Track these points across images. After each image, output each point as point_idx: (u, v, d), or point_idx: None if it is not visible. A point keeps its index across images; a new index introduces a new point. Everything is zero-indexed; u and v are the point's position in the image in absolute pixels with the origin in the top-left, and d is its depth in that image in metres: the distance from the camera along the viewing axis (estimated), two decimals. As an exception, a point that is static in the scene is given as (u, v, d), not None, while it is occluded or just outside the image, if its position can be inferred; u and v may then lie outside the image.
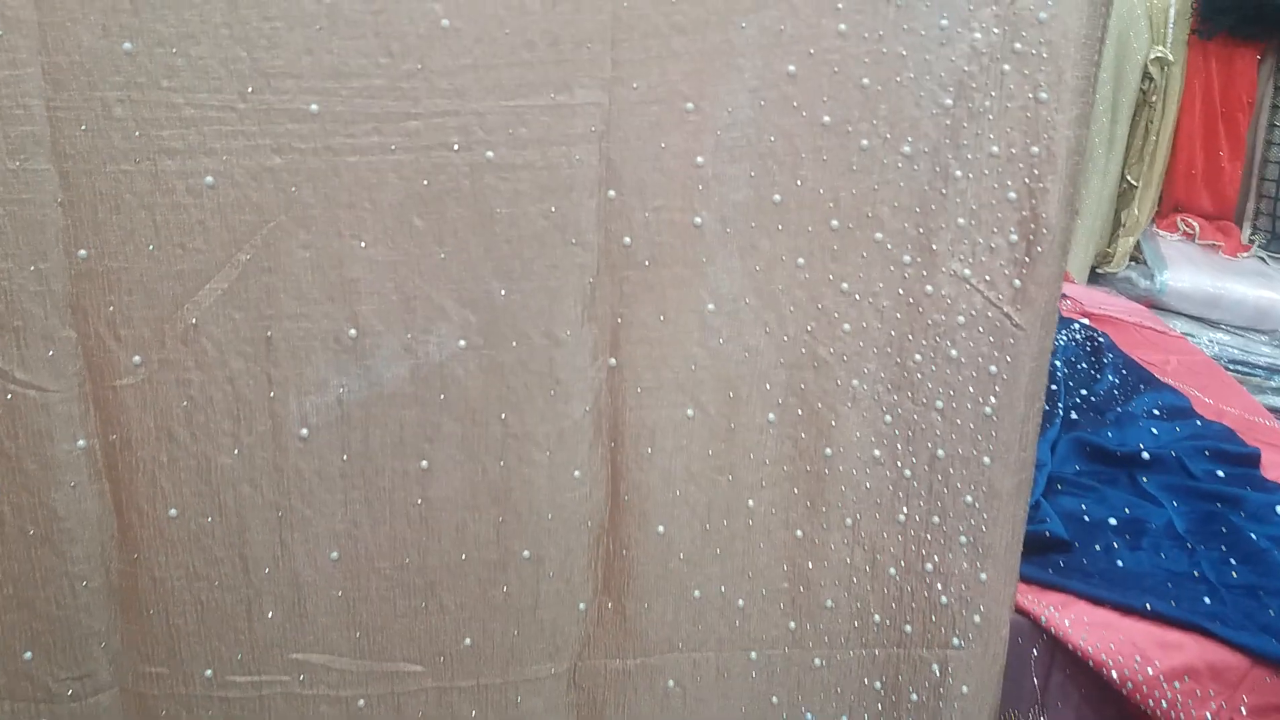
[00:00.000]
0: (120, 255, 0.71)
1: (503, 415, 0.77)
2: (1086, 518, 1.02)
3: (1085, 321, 1.57)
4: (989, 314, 0.76)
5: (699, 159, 0.73)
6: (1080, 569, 0.93)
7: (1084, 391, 1.34)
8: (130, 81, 0.68)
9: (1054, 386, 1.29)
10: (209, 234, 0.72)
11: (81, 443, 0.76)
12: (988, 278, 0.76)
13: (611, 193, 0.74)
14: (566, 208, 0.73)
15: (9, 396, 0.73)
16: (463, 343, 0.76)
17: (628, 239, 0.75)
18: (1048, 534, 0.96)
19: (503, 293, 0.75)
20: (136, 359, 0.74)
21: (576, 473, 0.80)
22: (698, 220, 0.75)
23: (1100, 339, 1.48)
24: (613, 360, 0.78)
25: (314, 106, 0.69)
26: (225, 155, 0.70)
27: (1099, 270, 2.23)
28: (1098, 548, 0.97)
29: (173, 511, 0.78)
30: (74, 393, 0.74)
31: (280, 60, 0.68)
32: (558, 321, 0.76)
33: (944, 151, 0.73)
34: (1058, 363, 1.39)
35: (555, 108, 0.71)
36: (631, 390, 0.78)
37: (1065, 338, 1.49)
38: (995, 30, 0.70)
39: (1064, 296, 1.43)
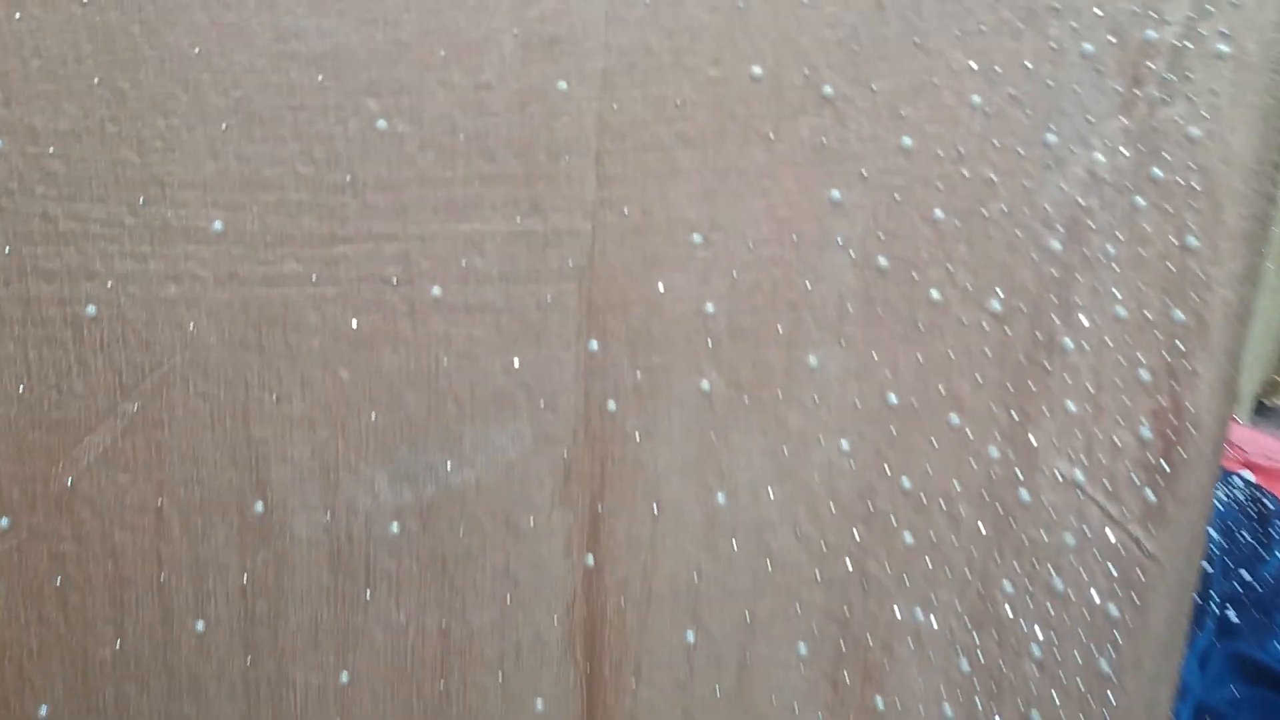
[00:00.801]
0: None
1: (444, 623, 0.58)
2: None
3: (1249, 476, 1.27)
4: (1109, 535, 0.54)
5: (709, 306, 0.54)
6: None
7: (1246, 575, 1.06)
8: (1, 187, 0.54)
9: (1206, 565, 1.02)
10: (90, 376, 0.56)
11: None
12: (1108, 486, 0.53)
13: (594, 344, 0.55)
14: (535, 362, 0.55)
15: None
16: (395, 527, 0.58)
17: (613, 404, 0.56)
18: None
19: (449, 466, 0.56)
20: (3, 522, 0.59)
21: (539, 702, 0.59)
22: (705, 385, 0.55)
23: (1269, 503, 1.19)
24: (590, 559, 0.58)
25: (218, 224, 0.54)
26: (110, 280, 0.55)
27: (1266, 404, 1.90)
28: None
29: (43, 710, 0.61)
30: None
31: (178, 166, 0.53)
32: (519, 507, 0.57)
33: (1048, 312, 0.52)
34: (1211, 532, 1.12)
35: (522, 235, 0.53)
36: (614, 600, 0.58)
37: (1224, 496, 1.21)
38: (1125, 151, 0.50)
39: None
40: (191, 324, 0.56)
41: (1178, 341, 0.51)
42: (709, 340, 0.55)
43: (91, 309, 0.56)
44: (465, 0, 0.51)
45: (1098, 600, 0.55)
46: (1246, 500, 1.20)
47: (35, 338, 0.56)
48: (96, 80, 0.52)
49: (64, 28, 0.52)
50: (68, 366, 0.56)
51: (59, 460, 0.58)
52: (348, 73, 0.52)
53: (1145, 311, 0.52)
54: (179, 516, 0.59)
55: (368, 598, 0.59)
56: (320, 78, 0.52)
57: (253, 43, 0.52)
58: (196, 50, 0.52)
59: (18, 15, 0.52)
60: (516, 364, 0.56)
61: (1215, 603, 0.96)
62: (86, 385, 0.57)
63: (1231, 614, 0.96)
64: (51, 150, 0.54)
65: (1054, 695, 0.56)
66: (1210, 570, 1.02)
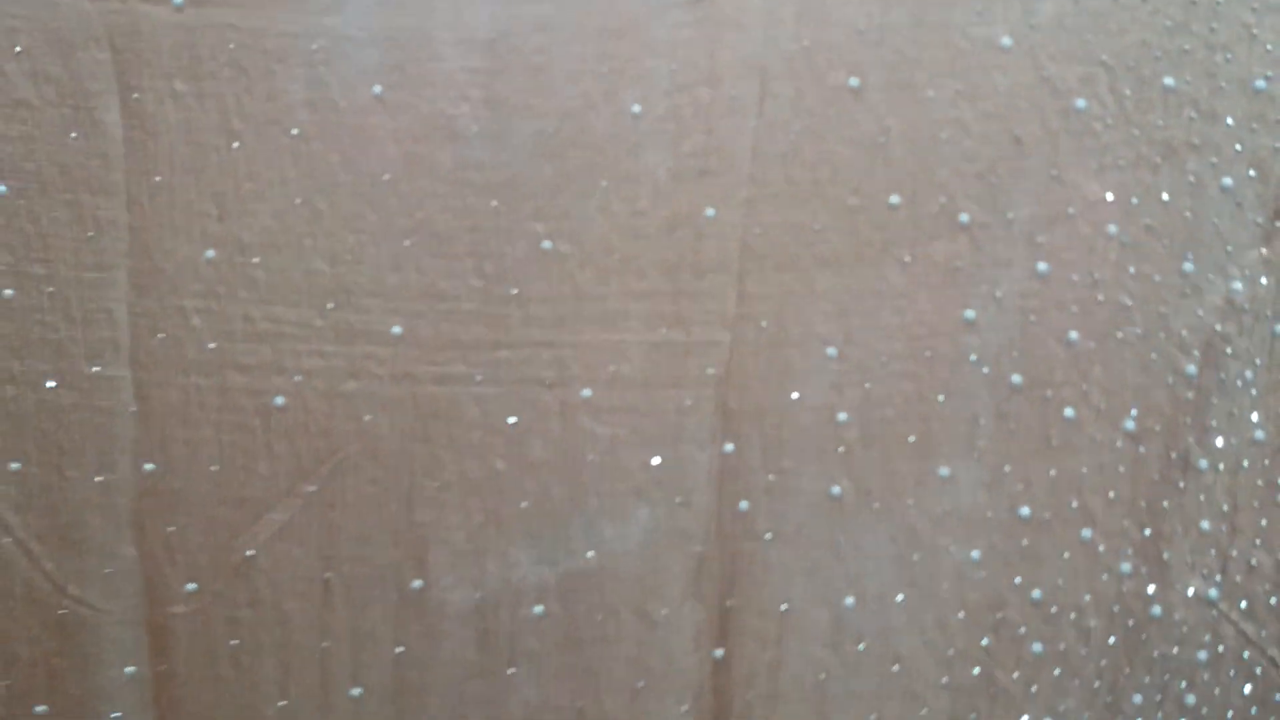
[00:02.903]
0: (183, 474, 0.62)
1: (580, 706, 0.59)
2: None
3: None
4: (1244, 654, 0.52)
5: (841, 415, 0.55)
6: None
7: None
8: (209, 290, 0.59)
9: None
10: (274, 460, 0.60)
11: (130, 670, 0.64)
12: (1243, 605, 0.51)
13: (729, 447, 0.56)
14: (672, 461, 0.57)
15: (62, 612, 0.63)
16: (539, 609, 0.59)
17: (745, 504, 0.57)
18: None
19: (590, 555, 0.58)
20: (191, 586, 0.63)
21: (666, 787, 0.59)
22: (836, 490, 0.55)
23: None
24: (719, 652, 0.59)
25: (396, 329, 0.57)
26: (298, 375, 0.59)
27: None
28: None
29: None
30: (128, 615, 0.64)
31: (364, 276, 0.57)
32: (653, 598, 0.58)
33: (1183, 433, 0.51)
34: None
35: (666, 345, 0.55)
36: (740, 695, 0.59)
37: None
38: (1264, 279, 0.49)
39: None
40: (367, 416, 0.59)
41: (1319, 467, 0.49)
42: (840, 447, 0.56)
43: (279, 400, 0.60)
44: (625, 137, 0.54)
45: (1231, 718, 0.52)
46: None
47: (229, 424, 0.61)
48: (299, 200, 0.57)
49: (274, 155, 0.57)
50: (255, 450, 0.61)
51: (241, 533, 0.62)
52: (519, 199, 0.55)
53: (1284, 436, 0.50)
54: (343, 589, 0.62)
55: (510, 674, 0.61)
56: (494, 203, 0.55)
57: (436, 171, 0.56)
58: (386, 176, 0.56)
59: (236, 144, 0.57)
60: (655, 462, 0.57)
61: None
62: (270, 468, 0.61)
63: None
64: (255, 260, 0.58)
65: (1187, 817, 0.53)
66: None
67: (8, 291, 0.63)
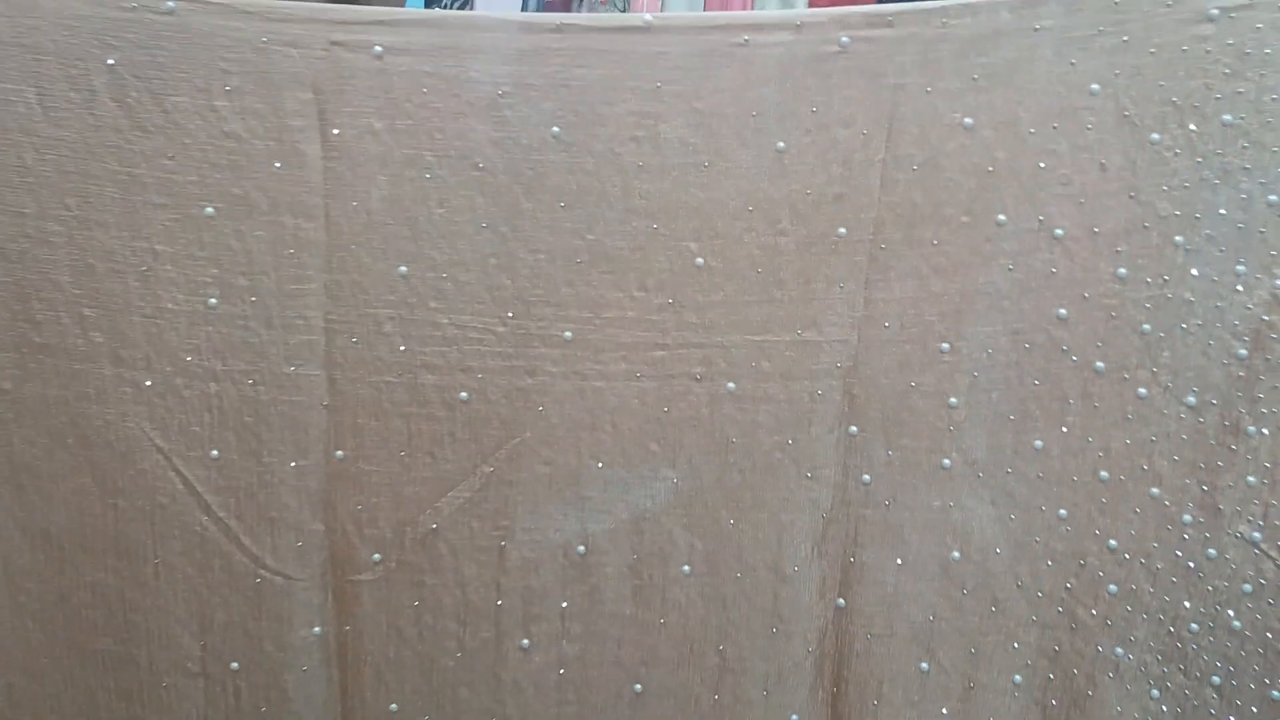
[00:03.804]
0: (374, 459, 0.71)
1: (721, 647, 0.70)
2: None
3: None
4: None
5: (952, 400, 0.65)
6: None
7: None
8: (402, 301, 0.68)
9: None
10: (457, 445, 0.70)
11: (317, 630, 0.75)
12: None
13: (853, 429, 0.66)
14: (804, 441, 0.67)
15: (258, 580, 0.73)
16: (687, 569, 0.69)
17: (867, 477, 0.67)
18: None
19: (731, 522, 0.68)
20: (376, 556, 0.72)
21: (794, 717, 0.69)
22: (946, 462, 0.66)
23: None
24: (841, 601, 0.69)
25: (568, 334, 0.67)
26: (481, 374, 0.68)
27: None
28: None
29: (393, 706, 0.75)
30: (316, 582, 0.74)
31: (541, 290, 0.67)
32: (786, 556, 0.68)
33: (1235, 405, 0.63)
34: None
35: (801, 343, 0.65)
36: (860, 635, 0.69)
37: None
38: None
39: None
40: (541, 407, 0.69)
41: (1345, 434, 0.60)
42: (950, 427, 0.67)
43: (464, 394, 0.69)
44: (769, 169, 0.63)
45: (1270, 638, 0.64)
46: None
47: (418, 416, 0.70)
48: (484, 225, 0.66)
49: (463, 185, 0.66)
50: (441, 437, 0.70)
51: (426, 509, 0.71)
52: (676, 223, 0.65)
53: (1318, 408, 0.60)
54: (517, 555, 0.72)
55: (661, 623, 0.70)
56: (655, 226, 0.65)
57: (606, 198, 0.65)
58: (562, 204, 0.65)
59: (428, 175, 0.66)
60: (790, 442, 0.67)
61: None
62: (454, 452, 0.70)
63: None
64: (444, 276, 0.67)
65: (1231, 718, 0.64)
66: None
67: (213, 300, 0.71)
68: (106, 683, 0.76)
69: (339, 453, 0.74)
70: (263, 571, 0.76)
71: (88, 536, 0.72)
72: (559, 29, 0.67)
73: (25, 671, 0.75)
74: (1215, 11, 0.62)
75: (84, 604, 0.73)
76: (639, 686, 0.77)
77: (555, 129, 0.68)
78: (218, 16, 0.66)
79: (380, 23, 0.68)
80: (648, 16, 0.65)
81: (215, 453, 0.72)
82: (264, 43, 0.66)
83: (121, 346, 0.69)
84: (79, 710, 0.77)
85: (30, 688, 0.77)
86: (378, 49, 0.68)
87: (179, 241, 0.68)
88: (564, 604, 0.76)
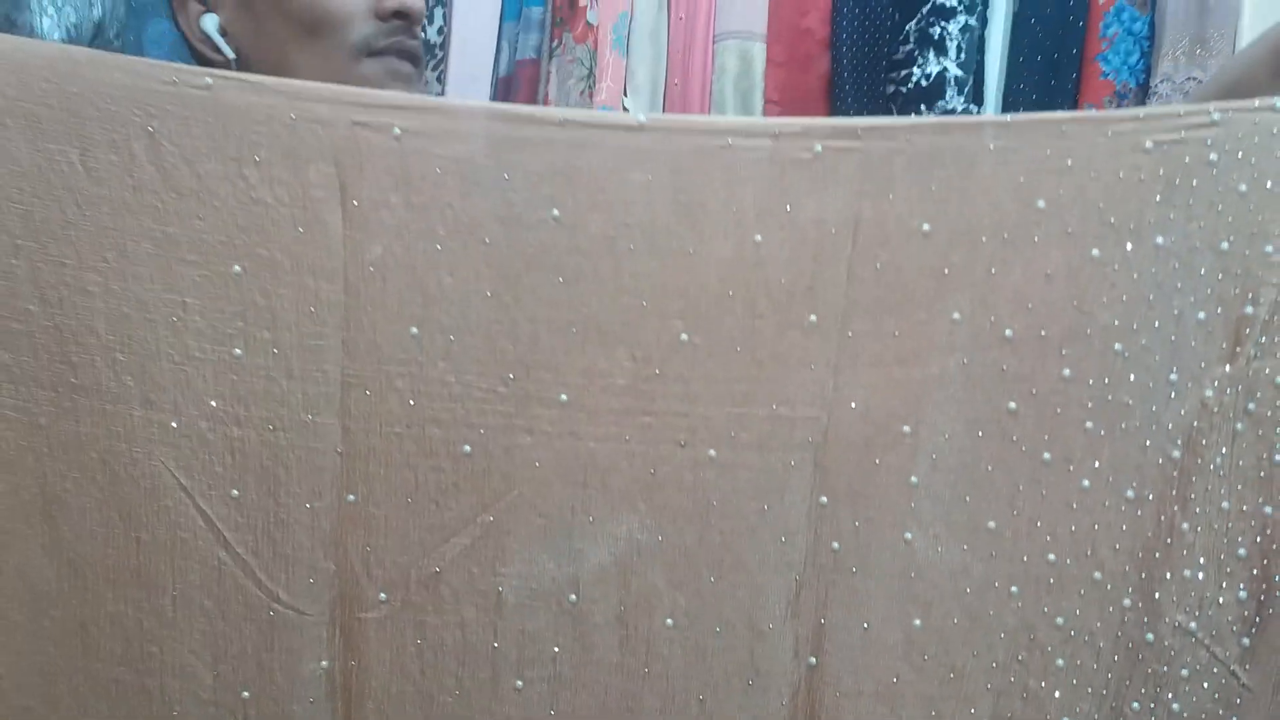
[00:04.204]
0: (383, 504, 1.08)
1: (701, 697, 1.10)
2: None
3: None
4: (1214, 670, 0.97)
5: (913, 478, 1.04)
6: None
7: None
8: (413, 359, 1.07)
9: None
10: (460, 495, 1.10)
11: (325, 663, 1.11)
12: (1214, 633, 1.00)
13: (824, 499, 1.07)
14: (779, 508, 1.05)
15: (271, 614, 1.14)
16: (670, 621, 1.11)
17: (837, 544, 1.07)
18: None
19: (712, 580, 1.08)
20: (383, 595, 1.13)
21: (767, 766, 1.13)
22: (908, 535, 1.05)
23: None
24: (813, 659, 1.09)
25: (564, 397, 1.07)
26: (483, 430, 1.10)
27: None
28: None
29: None
30: (325, 618, 1.11)
31: (540, 355, 1.06)
32: (762, 614, 1.07)
33: (1170, 502, 0.98)
34: None
35: (776, 418, 1.05)
36: (830, 692, 1.08)
37: None
38: (1228, 390, 0.97)
39: None
40: (537, 464, 1.09)
41: (1267, 529, 0.97)
42: (912, 503, 1.03)
43: (467, 448, 1.10)
44: (748, 259, 1.02)
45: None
46: None
47: (425, 466, 1.12)
48: (489, 293, 1.06)
49: (470, 257, 1.05)
50: (445, 487, 1.11)
51: (431, 553, 1.14)
52: (664, 302, 1.04)
53: (1243, 506, 0.96)
54: (513, 600, 1.11)
55: (645, 672, 1.12)
56: (644, 303, 1.04)
57: (599, 277, 1.02)
58: (560, 279, 1.06)
59: (438, 246, 1.06)
60: (766, 508, 1.07)
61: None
62: (457, 501, 1.11)
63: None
64: (452, 338, 1.08)
65: (1173, 796, 1.04)
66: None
67: (238, 350, 1.14)
68: (118, 712, 1.02)
69: (351, 496, 1.01)
70: (276, 606, 1.04)
71: (111, 568, 1.00)
72: (562, 124, 1.03)
73: (43, 698, 1.03)
74: (1150, 145, 0.86)
75: (103, 633, 1.01)
76: (622, 731, 1.20)
77: (555, 211, 0.94)
78: (251, 93, 0.93)
79: (399, 107, 0.92)
80: (641, 117, 0.90)
81: (235, 492, 1.01)
82: (292, 119, 0.93)
83: (151, 390, 0.98)
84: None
85: (45, 712, 1.03)
86: (396, 130, 0.96)
87: (208, 296, 0.96)
88: (556, 649, 1.07)
